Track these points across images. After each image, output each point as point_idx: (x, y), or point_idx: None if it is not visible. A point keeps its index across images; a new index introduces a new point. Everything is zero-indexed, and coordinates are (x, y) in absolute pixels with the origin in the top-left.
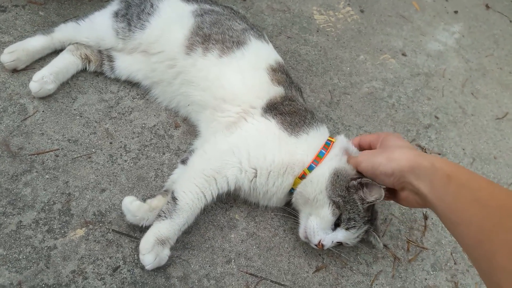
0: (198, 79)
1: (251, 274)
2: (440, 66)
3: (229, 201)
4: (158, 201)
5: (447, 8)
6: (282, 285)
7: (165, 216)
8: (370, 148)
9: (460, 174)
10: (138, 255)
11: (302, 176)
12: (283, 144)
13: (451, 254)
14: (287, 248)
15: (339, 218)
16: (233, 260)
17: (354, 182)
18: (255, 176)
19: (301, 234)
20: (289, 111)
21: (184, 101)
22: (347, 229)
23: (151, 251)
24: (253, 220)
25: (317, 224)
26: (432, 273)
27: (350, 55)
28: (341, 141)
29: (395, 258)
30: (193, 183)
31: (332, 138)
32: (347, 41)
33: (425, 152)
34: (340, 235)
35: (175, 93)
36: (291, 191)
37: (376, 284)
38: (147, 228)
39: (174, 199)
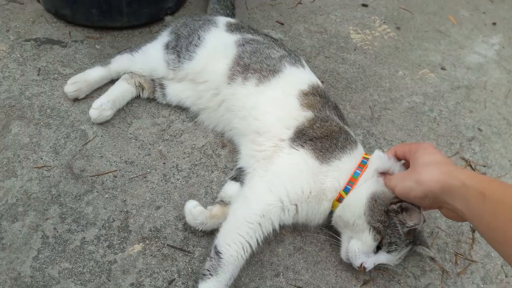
0: (237, 107)
1: (299, 287)
2: (481, 78)
3: None
4: (217, 209)
5: (484, 20)
6: None
7: (210, 274)
8: (405, 158)
9: (494, 189)
10: (192, 268)
11: (339, 199)
12: (316, 174)
13: (502, 266)
14: (334, 262)
15: (381, 242)
16: (281, 273)
17: (394, 207)
18: (297, 212)
19: (343, 255)
20: (320, 134)
21: (227, 126)
22: (388, 252)
23: None
24: (300, 235)
25: (359, 248)
26: (482, 286)
27: (389, 71)
28: (376, 159)
29: (443, 271)
30: (237, 233)
31: (368, 155)
32: (385, 57)
33: (470, 165)
34: (382, 257)
35: (220, 119)
36: (330, 213)
37: None
38: (202, 235)
39: (217, 253)
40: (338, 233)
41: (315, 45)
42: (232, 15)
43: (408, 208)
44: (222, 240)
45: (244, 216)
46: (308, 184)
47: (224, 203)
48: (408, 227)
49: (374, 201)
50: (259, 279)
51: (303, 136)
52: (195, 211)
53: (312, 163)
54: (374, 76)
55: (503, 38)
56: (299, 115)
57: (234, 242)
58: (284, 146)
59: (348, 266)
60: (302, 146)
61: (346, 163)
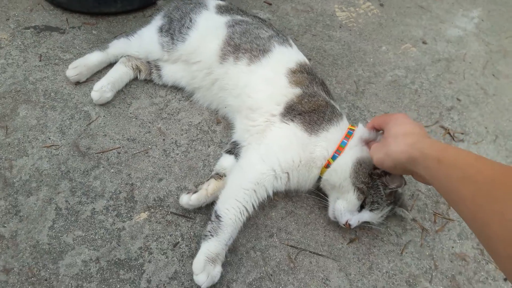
0: (230, 86)
1: (291, 246)
2: (461, 51)
3: None
4: (213, 186)
5: None
6: (319, 255)
7: (211, 235)
8: (381, 129)
9: (448, 155)
10: (194, 232)
11: (327, 166)
12: (305, 144)
13: None
14: (323, 223)
15: (364, 201)
16: (275, 234)
17: (378, 171)
18: (288, 179)
19: (330, 214)
20: (308, 109)
21: (221, 104)
22: (371, 210)
23: (203, 271)
24: (291, 200)
25: (344, 207)
26: (458, 241)
27: (373, 47)
28: (360, 130)
29: (423, 229)
30: (234, 199)
31: (354, 127)
32: (369, 34)
33: (449, 133)
34: (366, 215)
35: (214, 97)
36: (319, 179)
37: (406, 253)
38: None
39: (217, 217)
40: (326, 196)
41: (302, 24)
42: None
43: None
44: (222, 205)
45: (241, 184)
46: (298, 154)
47: (219, 175)
48: (390, 189)
49: (359, 165)
50: (255, 240)
51: (292, 111)
52: (193, 202)
53: (302, 135)
54: (358, 52)
55: (482, 12)
56: (288, 92)
57: (232, 206)
58: (276, 121)
59: (335, 226)
60: (292, 120)
61: (333, 133)
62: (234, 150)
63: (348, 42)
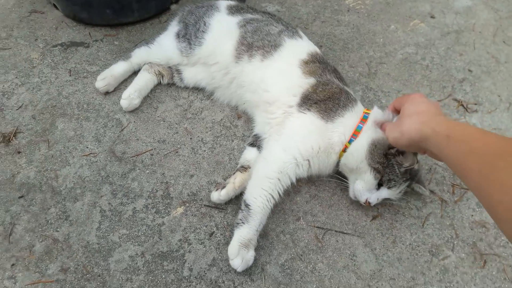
0: (247, 83)
1: (318, 227)
2: (470, 21)
3: None
4: (239, 179)
5: None
6: (345, 233)
7: (242, 223)
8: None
9: (457, 131)
10: (227, 222)
11: (345, 150)
12: (323, 131)
13: None
14: (345, 203)
15: (381, 179)
16: (301, 217)
17: (392, 151)
18: (309, 166)
19: (351, 194)
20: (323, 97)
21: (240, 100)
22: (389, 188)
23: (237, 256)
24: (314, 184)
25: (362, 187)
26: (477, 209)
27: (382, 27)
28: (374, 113)
29: (442, 201)
30: (261, 188)
31: (369, 110)
32: (377, 14)
33: (462, 105)
34: (384, 193)
35: (232, 95)
36: (338, 162)
37: (427, 224)
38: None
39: (247, 205)
40: (346, 178)
41: (310, 12)
42: None
43: (404, 151)
44: (250, 195)
45: (265, 174)
46: (317, 142)
47: (244, 168)
48: (404, 167)
49: (374, 146)
50: (283, 224)
51: (308, 101)
52: (223, 197)
53: (319, 123)
54: (368, 34)
55: None
56: (303, 83)
57: (259, 195)
58: (293, 112)
59: (357, 206)
60: (309, 109)
61: (349, 118)
62: (256, 142)
63: (357, 25)
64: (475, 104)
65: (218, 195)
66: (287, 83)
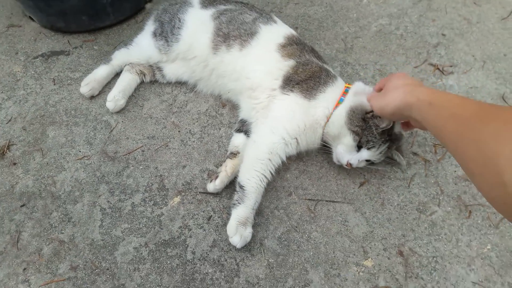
0: (228, 72)
1: (309, 199)
2: None
3: None
4: (230, 166)
5: None
6: (335, 201)
7: (238, 203)
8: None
9: (438, 98)
10: (223, 205)
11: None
12: (307, 109)
13: None
14: (333, 174)
15: (360, 141)
16: (292, 192)
17: (369, 114)
18: (298, 143)
19: (334, 159)
20: (304, 77)
21: (223, 90)
22: (368, 149)
23: (236, 233)
24: (301, 160)
25: (343, 150)
26: (459, 166)
27: (354, 2)
28: (356, 85)
29: (425, 161)
30: (253, 170)
31: (350, 85)
32: None
33: (438, 68)
34: (364, 154)
35: (214, 85)
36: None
37: (413, 185)
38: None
39: (241, 187)
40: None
41: None
42: None
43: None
44: (243, 177)
45: (256, 156)
46: (303, 120)
47: (233, 154)
48: (381, 128)
49: (352, 112)
50: (276, 201)
51: (290, 82)
52: (218, 185)
53: (302, 102)
54: (341, 11)
55: None
56: (283, 65)
57: (252, 176)
58: (277, 94)
59: (345, 175)
60: (292, 90)
61: (330, 93)
62: (243, 127)
63: (330, 3)
64: (451, 66)
65: (213, 185)
66: (267, 68)
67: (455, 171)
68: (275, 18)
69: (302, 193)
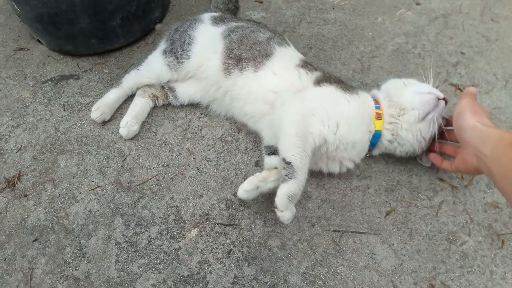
0: (243, 95)
1: (333, 230)
2: (455, 3)
3: None
4: (265, 173)
5: None
6: (361, 233)
7: (289, 178)
8: None
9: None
10: (242, 237)
11: (378, 117)
12: (351, 100)
13: None
14: (357, 203)
15: None
16: (316, 223)
17: None
18: (337, 128)
19: (420, 112)
20: (337, 81)
21: (238, 113)
22: None
23: (287, 209)
24: (323, 188)
25: (421, 87)
26: (488, 191)
27: (369, 20)
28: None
29: (452, 187)
30: (296, 146)
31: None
32: (362, 8)
33: (459, 89)
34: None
35: (229, 107)
36: (374, 140)
37: (441, 213)
38: (243, 209)
39: (288, 163)
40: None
41: (296, 14)
42: (235, 8)
43: None
44: (287, 153)
45: (295, 133)
46: (346, 109)
47: (269, 170)
48: None
49: None
50: (299, 232)
51: (326, 81)
52: (245, 187)
53: (343, 94)
54: (356, 29)
55: None
56: (312, 76)
57: (297, 152)
58: (310, 88)
59: (370, 204)
60: (330, 84)
61: (364, 95)
62: (271, 150)
63: (344, 21)
64: (472, 86)
65: (241, 188)
66: (295, 81)
67: (484, 198)
68: (288, 41)
69: (326, 223)
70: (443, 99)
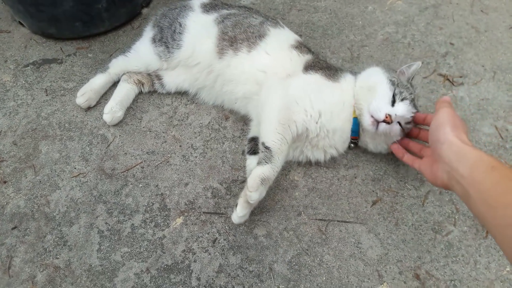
0: (236, 76)
1: (320, 219)
2: None
3: (286, 167)
4: None
5: None
6: (347, 222)
7: (265, 162)
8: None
9: (503, 168)
10: (228, 226)
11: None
12: (333, 88)
13: None
14: (344, 192)
15: (394, 93)
16: (302, 212)
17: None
18: (320, 117)
19: (368, 121)
20: (325, 66)
21: (228, 98)
22: (402, 100)
23: (256, 190)
24: (310, 177)
25: (379, 101)
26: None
27: (359, 9)
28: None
29: None
30: (277, 132)
31: None
32: None
33: (448, 79)
34: (400, 107)
35: (219, 93)
36: (354, 128)
37: (427, 203)
38: (230, 197)
39: (267, 148)
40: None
41: (286, 1)
42: None
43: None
44: (266, 138)
45: (278, 120)
46: (329, 96)
47: None
48: (410, 76)
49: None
50: (285, 221)
51: (313, 67)
52: (239, 212)
53: (327, 82)
54: (346, 18)
55: None
56: (302, 58)
57: (277, 138)
58: (299, 73)
59: (356, 193)
60: (316, 72)
61: (350, 79)
62: (256, 148)
63: (335, 9)
64: (461, 77)
65: (235, 215)
66: (285, 62)
67: None
68: (282, 24)
69: (312, 212)
70: (384, 120)
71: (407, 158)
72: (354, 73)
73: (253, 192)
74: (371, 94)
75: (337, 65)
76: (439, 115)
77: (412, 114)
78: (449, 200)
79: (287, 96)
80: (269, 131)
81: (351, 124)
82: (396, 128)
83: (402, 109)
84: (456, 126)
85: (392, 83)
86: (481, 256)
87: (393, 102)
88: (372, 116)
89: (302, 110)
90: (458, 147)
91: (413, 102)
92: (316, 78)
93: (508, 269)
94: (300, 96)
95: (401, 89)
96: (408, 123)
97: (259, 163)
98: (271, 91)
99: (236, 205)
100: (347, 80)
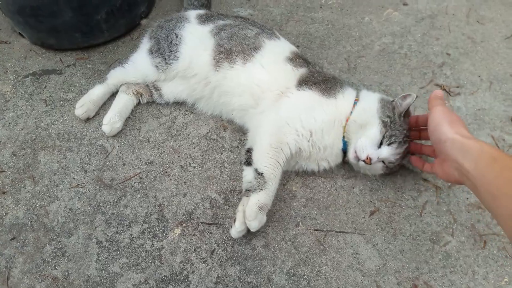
0: (232, 88)
1: (318, 230)
2: (442, 4)
3: (284, 177)
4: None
5: None
6: (345, 232)
7: (259, 189)
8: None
9: (504, 158)
10: (226, 236)
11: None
12: (325, 106)
13: None
14: (342, 202)
15: (384, 135)
16: (300, 222)
17: (395, 100)
18: (311, 135)
19: (351, 155)
20: (321, 80)
21: (226, 110)
22: (389, 144)
23: (255, 218)
24: (308, 187)
25: (366, 142)
26: (471, 192)
27: (356, 20)
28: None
29: (436, 188)
30: (269, 157)
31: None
32: (349, 8)
33: (445, 89)
34: (384, 151)
35: (216, 104)
36: (343, 148)
37: (425, 213)
38: (228, 207)
39: (260, 174)
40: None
41: (283, 12)
42: (208, 3)
43: (404, 96)
44: (259, 164)
45: (269, 144)
46: (320, 114)
47: (249, 191)
48: (403, 108)
49: (384, 102)
50: (283, 232)
51: (307, 82)
52: (238, 227)
53: (320, 99)
54: (343, 29)
55: None
56: (296, 73)
57: (269, 163)
58: (292, 90)
59: (354, 204)
60: (310, 88)
61: (348, 95)
62: (252, 159)
63: (332, 21)
64: (457, 87)
65: (234, 230)
66: (278, 74)
67: (467, 198)
68: (278, 34)
69: (310, 223)
70: (363, 160)
71: (427, 166)
72: (355, 87)
73: (252, 220)
74: (362, 131)
75: (334, 75)
76: (434, 115)
77: (398, 156)
78: (447, 210)
79: (278, 119)
80: (261, 156)
81: (341, 142)
82: (377, 166)
83: (387, 153)
84: (453, 122)
85: (384, 124)
86: (479, 267)
87: (381, 144)
88: (355, 152)
89: (293, 131)
90: (460, 143)
91: (403, 140)
92: (308, 95)
93: (506, 279)
94: (290, 117)
95: (392, 131)
96: (391, 162)
97: (253, 190)
98: (264, 117)
99: (235, 220)
100: (345, 95)
